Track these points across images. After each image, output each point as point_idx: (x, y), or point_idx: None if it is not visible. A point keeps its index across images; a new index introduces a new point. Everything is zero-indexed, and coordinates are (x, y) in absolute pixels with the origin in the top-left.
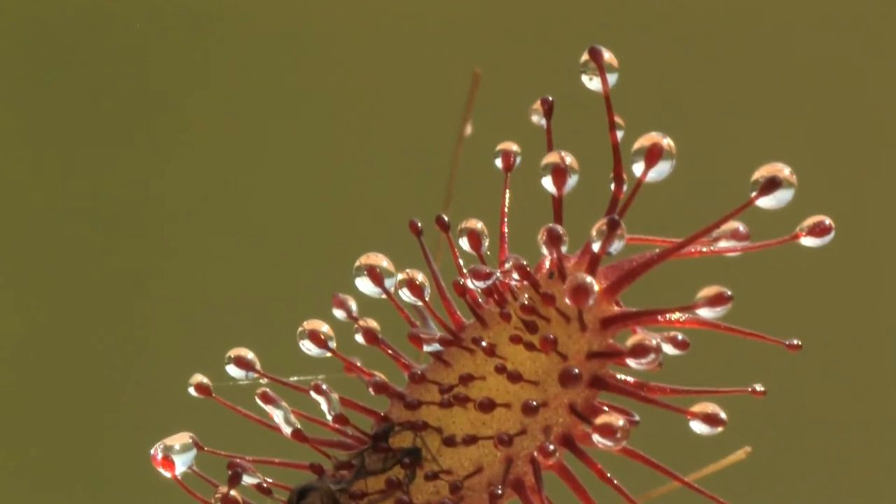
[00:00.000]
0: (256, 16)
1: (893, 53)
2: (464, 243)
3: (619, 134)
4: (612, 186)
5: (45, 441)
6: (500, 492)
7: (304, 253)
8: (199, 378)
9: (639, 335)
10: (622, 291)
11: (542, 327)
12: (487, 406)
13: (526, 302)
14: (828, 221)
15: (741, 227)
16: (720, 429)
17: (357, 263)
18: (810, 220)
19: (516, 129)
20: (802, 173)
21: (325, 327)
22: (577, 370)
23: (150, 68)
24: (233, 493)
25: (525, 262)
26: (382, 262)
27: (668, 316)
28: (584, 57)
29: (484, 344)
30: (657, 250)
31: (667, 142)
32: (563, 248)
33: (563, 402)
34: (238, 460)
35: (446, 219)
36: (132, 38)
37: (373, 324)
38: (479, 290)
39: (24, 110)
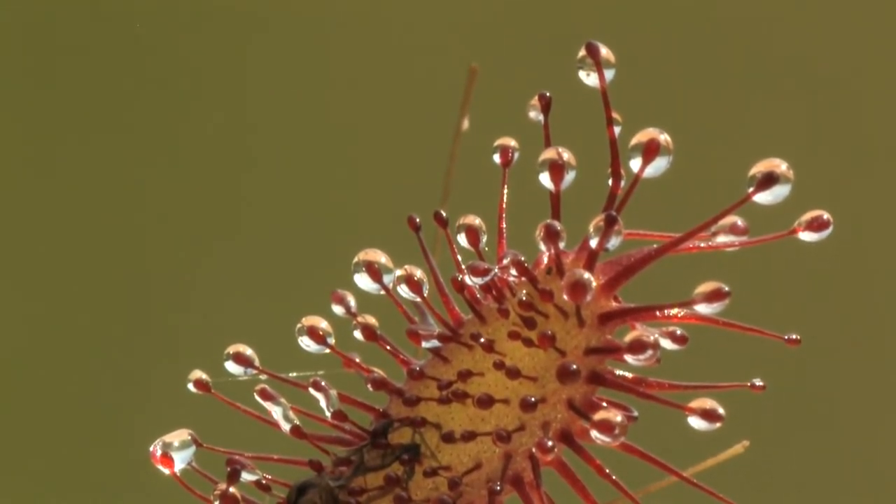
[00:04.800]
0: (253, 14)
1: (890, 49)
2: (462, 239)
3: (617, 130)
4: (610, 182)
5: (42, 440)
6: (498, 488)
7: (302, 249)
8: (197, 374)
9: (637, 331)
10: (620, 287)
11: (540, 323)
12: (486, 402)
13: (524, 298)
14: (826, 216)
15: (739, 222)
16: (718, 424)
17: (356, 260)
18: (808, 215)
19: (514, 124)
20: (800, 168)
21: (323, 323)
22: (575, 366)
23: (145, 69)
24: (232, 489)
25: (523, 258)
26: (381, 258)
27: (666, 311)
28: (582, 52)
29: (482, 340)
30: (655, 246)
31: (664, 137)
32: (561, 244)
33: (561, 398)
34: (237, 457)
35: (444, 215)
36: (131, 38)
37: (371, 320)
38: (477, 287)
39: (28, 114)
